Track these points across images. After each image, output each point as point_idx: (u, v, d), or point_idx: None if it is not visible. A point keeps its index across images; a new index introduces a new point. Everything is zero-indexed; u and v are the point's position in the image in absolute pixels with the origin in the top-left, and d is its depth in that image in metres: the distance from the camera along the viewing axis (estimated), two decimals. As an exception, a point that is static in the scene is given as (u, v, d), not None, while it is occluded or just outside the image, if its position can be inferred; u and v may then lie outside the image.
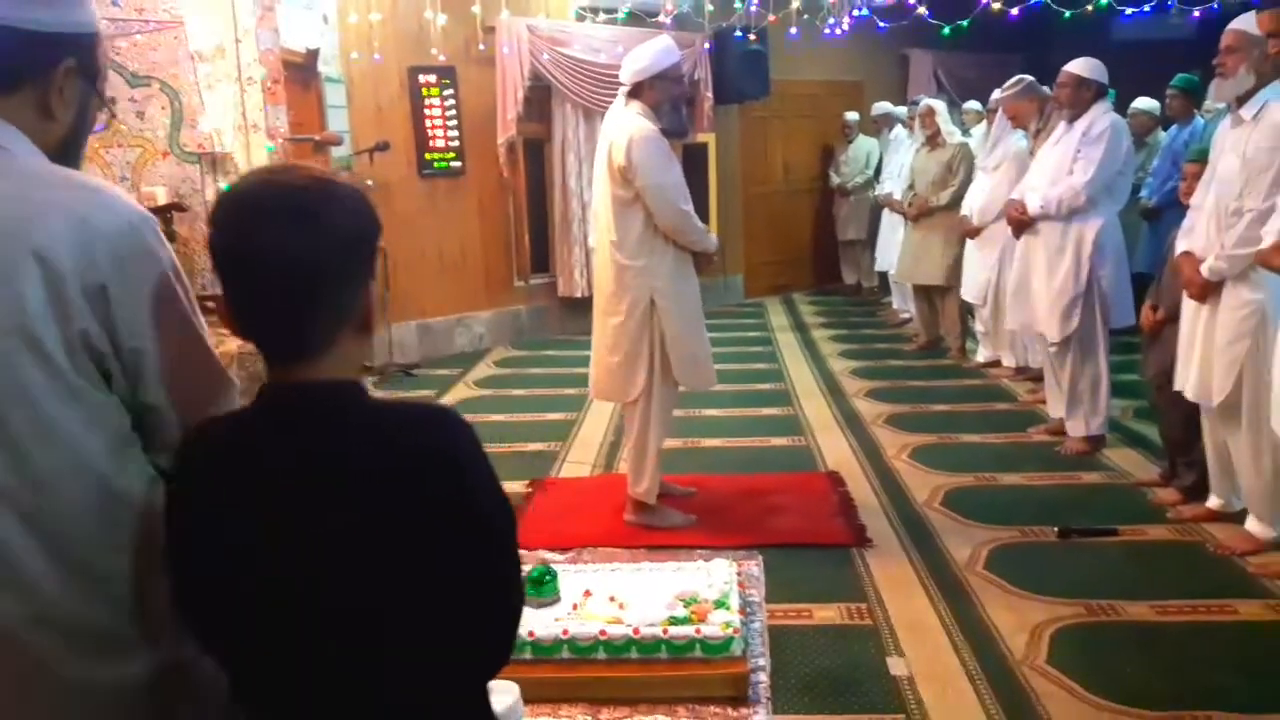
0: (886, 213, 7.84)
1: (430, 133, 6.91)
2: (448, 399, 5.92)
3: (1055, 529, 3.60)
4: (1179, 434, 3.81)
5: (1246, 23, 3.20)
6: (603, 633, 2.33)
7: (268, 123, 4.96)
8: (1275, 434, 3.00)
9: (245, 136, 4.91)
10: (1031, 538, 3.59)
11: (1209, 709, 2.46)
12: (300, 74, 5.70)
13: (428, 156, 6.92)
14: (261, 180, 1.09)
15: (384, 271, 6.30)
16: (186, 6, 4.70)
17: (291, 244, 1.03)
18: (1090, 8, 6.19)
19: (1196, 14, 7.11)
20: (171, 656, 1.17)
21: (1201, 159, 3.62)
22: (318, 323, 1.08)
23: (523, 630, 2.32)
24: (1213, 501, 3.65)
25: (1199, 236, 3.40)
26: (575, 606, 2.49)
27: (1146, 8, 6.74)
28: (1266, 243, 2.99)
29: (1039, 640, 2.84)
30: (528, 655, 2.31)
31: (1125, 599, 3.06)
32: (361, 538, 1.04)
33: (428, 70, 6.81)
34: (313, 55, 5.75)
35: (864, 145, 9.10)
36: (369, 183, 6.34)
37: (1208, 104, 5.97)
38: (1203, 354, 3.35)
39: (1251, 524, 3.40)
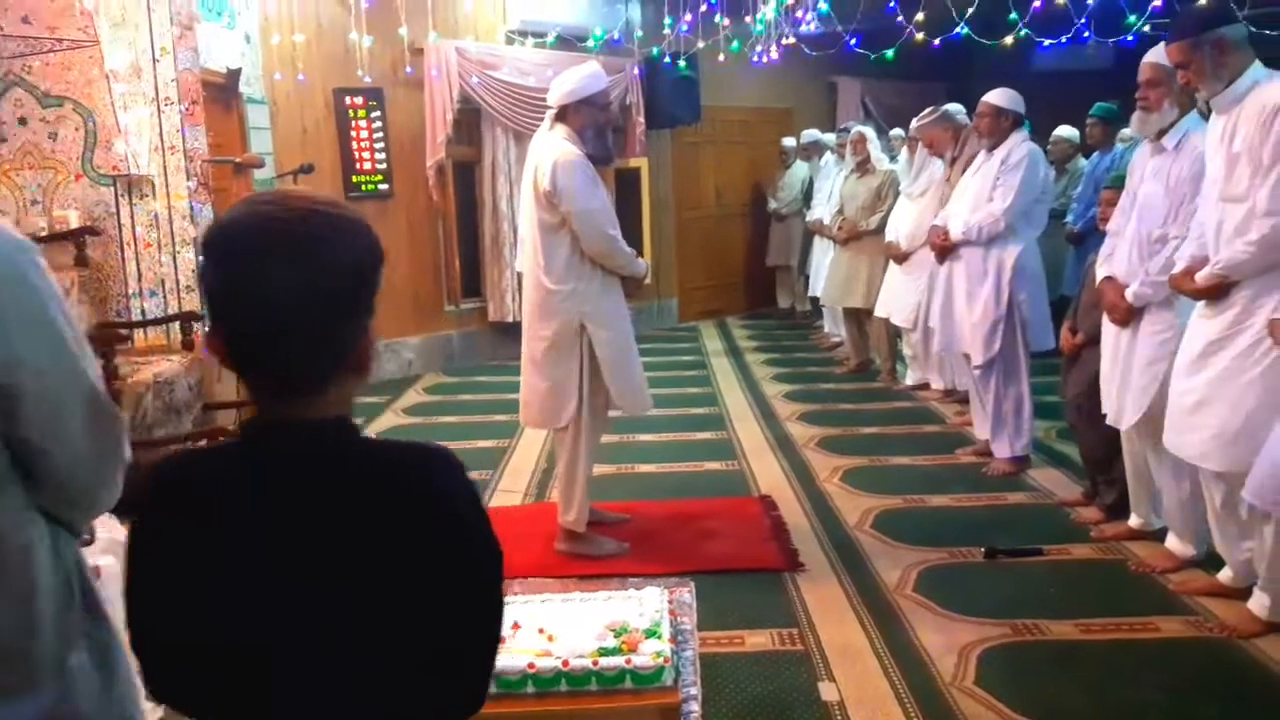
0: (818, 238, 7.95)
1: (357, 155, 6.82)
2: (374, 427, 5.80)
3: (982, 550, 3.64)
4: (1098, 454, 3.90)
5: (1162, 55, 3.29)
6: (531, 666, 2.29)
7: (186, 144, 4.83)
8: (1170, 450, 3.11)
9: (163, 158, 4.76)
10: (959, 559, 3.62)
11: (1132, 727, 2.49)
12: (221, 94, 5.57)
13: (355, 179, 6.82)
14: (257, 211, 1.02)
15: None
16: (102, 25, 4.56)
17: (291, 281, 0.98)
18: (1010, 39, 6.37)
19: (1112, 45, 7.38)
20: (54, 704, 1.12)
21: (1118, 186, 3.71)
22: (317, 362, 1.03)
23: (447, 666, 2.26)
24: (1133, 520, 3.73)
25: (1120, 262, 3.49)
26: (503, 640, 2.43)
27: (1064, 39, 6.96)
28: (1177, 268, 3.09)
29: (967, 661, 2.85)
30: (452, 692, 2.25)
31: (1050, 618, 3.10)
32: (351, 580, 1.01)
33: (354, 92, 6.73)
34: (234, 75, 5.62)
35: (799, 171, 9.24)
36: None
37: (1125, 132, 6.17)
38: (1123, 377, 3.43)
39: (1171, 542, 3.48)
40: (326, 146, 6.69)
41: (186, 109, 4.81)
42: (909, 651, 2.93)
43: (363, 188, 6.85)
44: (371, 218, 1.10)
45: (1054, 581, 3.41)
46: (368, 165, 6.87)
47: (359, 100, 6.79)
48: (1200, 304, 3.01)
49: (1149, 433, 3.39)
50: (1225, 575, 3.19)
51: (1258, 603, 2.96)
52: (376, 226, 1.08)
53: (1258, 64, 2.90)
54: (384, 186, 6.96)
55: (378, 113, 6.87)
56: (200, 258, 1.03)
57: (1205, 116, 3.24)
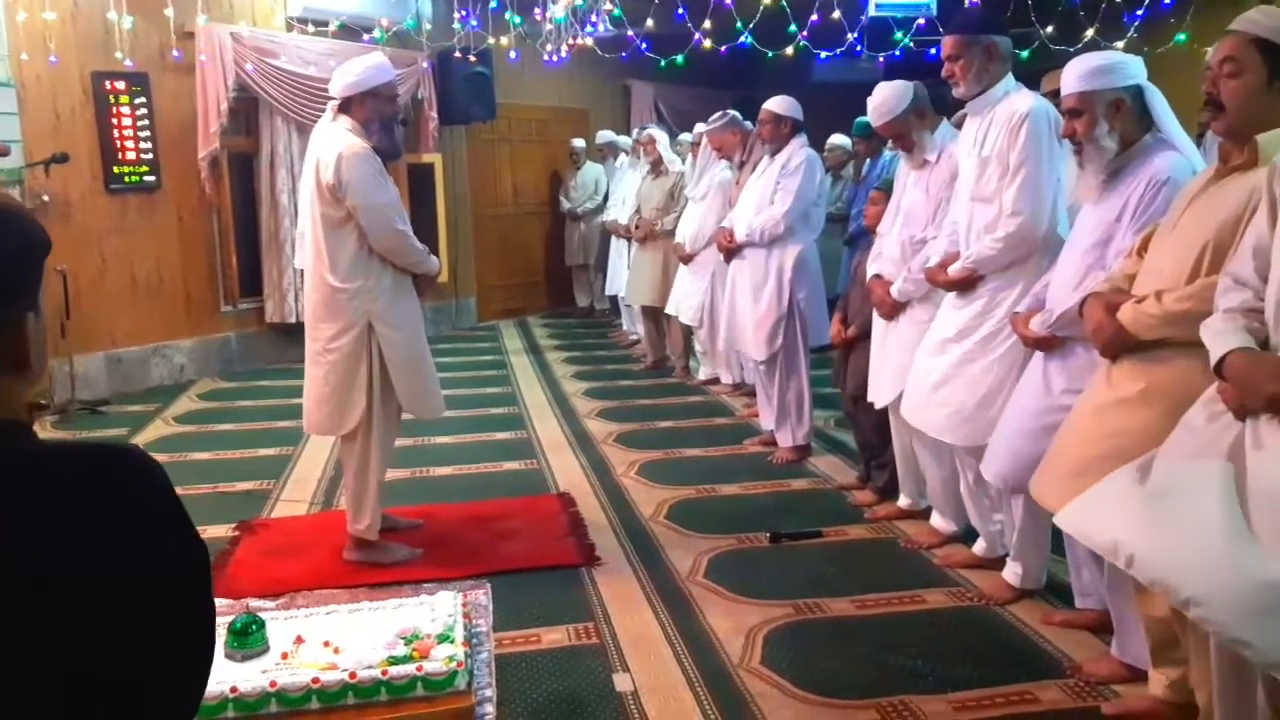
0: (614, 238, 8.07)
1: (120, 144, 6.29)
2: (141, 438, 5.38)
3: (767, 534, 3.80)
4: (870, 440, 4.17)
5: (888, 106, 3.61)
6: (316, 681, 2.19)
7: (-89, 127, 4.31)
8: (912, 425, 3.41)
9: (-120, 141, 4.22)
10: (746, 544, 3.77)
11: (903, 694, 2.66)
12: (-45, 73, 5.01)
13: (117, 170, 6.28)
14: None
15: (63, 297, 5.65)
16: None
17: None
18: (791, 50, 6.69)
19: (881, 60, 7.91)
20: None
21: (887, 189, 3.99)
22: None
23: (224, 686, 2.14)
24: (902, 501, 4.01)
25: (887, 261, 3.75)
26: (285, 655, 2.32)
27: (839, 52, 7.38)
28: (931, 262, 3.38)
29: (753, 642, 2.97)
30: (230, 713, 2.13)
31: (829, 596, 3.28)
32: (25, 605, 0.87)
33: (115, 76, 6.21)
34: (-29, 53, 5.07)
35: (592, 171, 9.34)
36: (44, 198, 5.70)
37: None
38: (884, 361, 3.70)
39: (935, 519, 3.76)
40: (83, 134, 6.13)
41: (-91, 87, 4.29)
42: (700, 637, 3.02)
43: (126, 179, 6.32)
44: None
45: (832, 561, 3.61)
46: (131, 155, 6.35)
47: (120, 85, 6.27)
48: (950, 295, 3.30)
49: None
50: (979, 547, 3.48)
51: (1011, 572, 3.24)
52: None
53: (1010, 77, 3.20)
54: (150, 178, 6.45)
55: (142, 99, 6.36)
56: None
57: (959, 126, 3.55)
